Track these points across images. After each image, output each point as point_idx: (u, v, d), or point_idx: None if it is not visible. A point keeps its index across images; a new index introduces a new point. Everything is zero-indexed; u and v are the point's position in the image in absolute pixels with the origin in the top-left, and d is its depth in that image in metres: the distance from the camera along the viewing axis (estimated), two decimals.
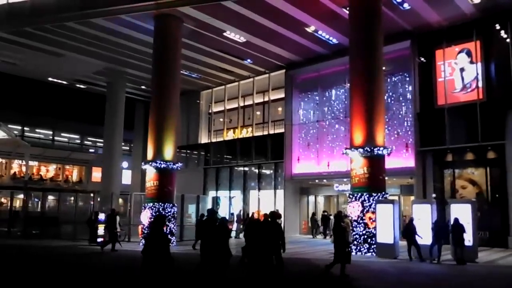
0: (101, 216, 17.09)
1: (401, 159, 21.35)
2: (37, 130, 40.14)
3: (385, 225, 14.33)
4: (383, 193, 15.53)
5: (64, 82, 30.97)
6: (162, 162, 18.07)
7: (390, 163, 21.23)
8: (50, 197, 24.42)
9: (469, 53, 20.02)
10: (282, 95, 26.88)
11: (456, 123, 19.93)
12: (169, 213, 17.78)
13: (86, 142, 43.05)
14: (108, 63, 26.24)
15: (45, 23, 20.14)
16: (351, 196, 15.84)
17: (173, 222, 18.14)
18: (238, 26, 20.76)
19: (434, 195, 19.95)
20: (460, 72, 20.24)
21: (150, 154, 18.49)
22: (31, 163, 35.18)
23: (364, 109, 15.95)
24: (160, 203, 17.77)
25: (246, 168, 28.52)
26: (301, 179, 25.71)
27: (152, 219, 8.27)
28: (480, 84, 19.44)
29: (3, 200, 24.36)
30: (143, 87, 30.91)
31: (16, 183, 32.69)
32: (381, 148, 15.68)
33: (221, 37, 21.76)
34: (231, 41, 22.20)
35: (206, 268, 8.32)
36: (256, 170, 27.98)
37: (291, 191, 25.81)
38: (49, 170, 38.85)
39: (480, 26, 19.56)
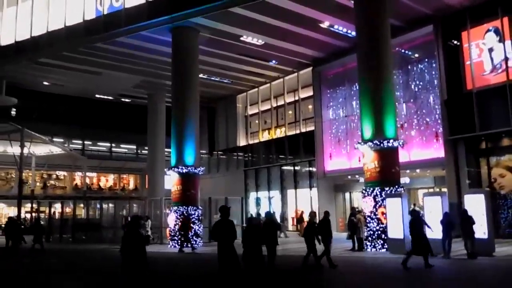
0: None
1: (431, 149, 20.40)
2: (97, 143, 43.73)
3: (395, 220, 13.91)
4: (397, 186, 15.04)
5: (110, 98, 33.37)
6: (183, 167, 19.02)
7: (420, 154, 20.61)
8: (101, 205, 26.43)
9: (497, 32, 18.60)
10: (312, 93, 26.79)
11: (487, 107, 18.61)
12: (193, 216, 18.66)
13: (143, 151, 45.86)
14: (144, 77, 27.92)
15: (78, 46, 22.08)
16: (364, 191, 15.55)
17: (197, 224, 18.98)
18: (253, 30, 21.17)
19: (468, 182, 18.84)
20: (488, 53, 18.87)
21: (173, 161, 19.54)
22: (90, 174, 38.49)
23: (372, 101, 15.61)
24: (184, 206, 18.72)
25: (282, 168, 28.79)
26: (335, 176, 25.41)
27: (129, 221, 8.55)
28: (510, 64, 17.99)
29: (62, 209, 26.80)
30: None
31: (78, 193, 35.88)
32: (391, 141, 15.19)
33: (239, 42, 22.29)
34: (250, 44, 22.65)
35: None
36: (292, 170, 28.14)
37: (325, 189, 25.63)
38: (108, 180, 42.06)
39: (505, 1, 18.09)
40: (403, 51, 21.86)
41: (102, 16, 21.38)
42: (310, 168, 26.75)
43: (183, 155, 19.25)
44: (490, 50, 18.78)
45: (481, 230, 12.42)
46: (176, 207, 18.89)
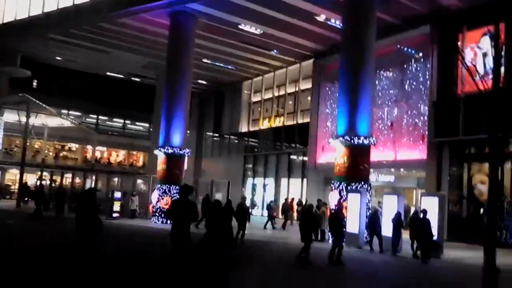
0: (117, 194, 19.49)
1: (416, 150, 20.39)
2: (112, 119, 45.31)
3: (353, 215, 14.28)
4: (363, 183, 15.33)
5: (121, 76, 34.52)
6: (169, 148, 19.86)
7: (406, 154, 20.64)
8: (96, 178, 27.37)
9: (493, 37, 18.25)
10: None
11: (475, 112, 18.41)
12: (174, 194, 19.51)
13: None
14: (151, 58, 28.75)
15: (83, 24, 23.07)
16: (331, 185, 15.93)
17: None
18: (250, 19, 21.53)
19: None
20: (482, 58, 18.57)
21: (160, 140, 20.39)
22: (101, 148, 40.06)
23: (347, 97, 15.85)
24: (167, 185, 19.62)
25: (278, 157, 29.27)
26: (326, 169, 25.64)
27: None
28: (502, 70, 17.65)
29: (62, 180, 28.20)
30: None
31: (88, 165, 37.46)
32: (362, 138, 15.43)
33: (237, 29, 22.69)
34: (248, 33, 23.02)
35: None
36: (286, 159, 28.59)
37: (315, 181, 25.94)
38: (118, 155, 43.63)
39: (503, 6, 17.67)
40: (398, 47, 21.67)
41: None
42: (304, 159, 27.12)
43: (170, 136, 20.07)
44: (484, 55, 18.48)
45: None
46: (159, 185, 19.81)
